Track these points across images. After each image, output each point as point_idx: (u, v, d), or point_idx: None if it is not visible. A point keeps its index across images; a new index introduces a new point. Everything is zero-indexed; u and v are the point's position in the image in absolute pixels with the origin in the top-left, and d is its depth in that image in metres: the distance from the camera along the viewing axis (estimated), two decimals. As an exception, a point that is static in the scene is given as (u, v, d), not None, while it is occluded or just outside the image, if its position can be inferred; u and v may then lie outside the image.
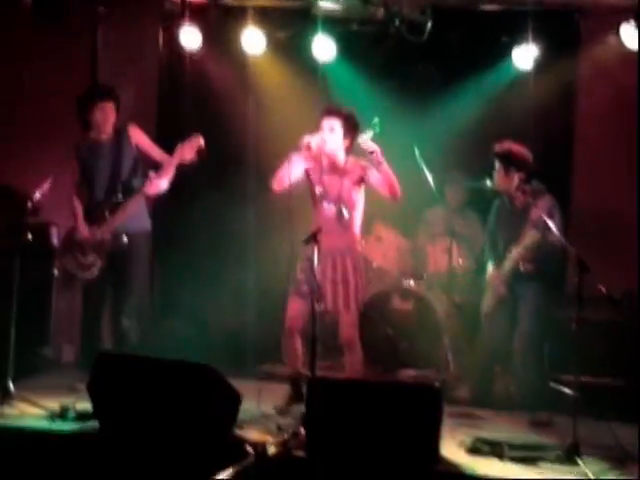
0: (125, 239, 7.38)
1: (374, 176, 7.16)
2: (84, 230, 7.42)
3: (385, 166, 7.06)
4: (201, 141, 7.31)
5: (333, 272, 7.11)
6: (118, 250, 7.40)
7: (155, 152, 7.64)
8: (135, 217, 7.50)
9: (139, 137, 7.65)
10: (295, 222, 6.86)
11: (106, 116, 7.48)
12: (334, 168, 7.22)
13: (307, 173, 7.26)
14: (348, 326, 7.16)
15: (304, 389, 6.78)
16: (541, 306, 7.59)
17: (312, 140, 7.01)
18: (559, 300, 7.81)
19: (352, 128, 7.18)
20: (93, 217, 7.49)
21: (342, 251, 7.09)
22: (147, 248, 7.64)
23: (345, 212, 7.07)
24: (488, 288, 7.90)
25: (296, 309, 7.19)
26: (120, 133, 7.60)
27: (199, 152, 7.29)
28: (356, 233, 7.25)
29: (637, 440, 6.35)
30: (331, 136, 7.12)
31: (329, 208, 7.16)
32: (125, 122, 7.73)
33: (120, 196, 7.45)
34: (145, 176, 7.46)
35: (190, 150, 7.25)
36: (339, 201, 7.13)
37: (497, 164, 7.73)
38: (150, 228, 7.67)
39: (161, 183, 7.35)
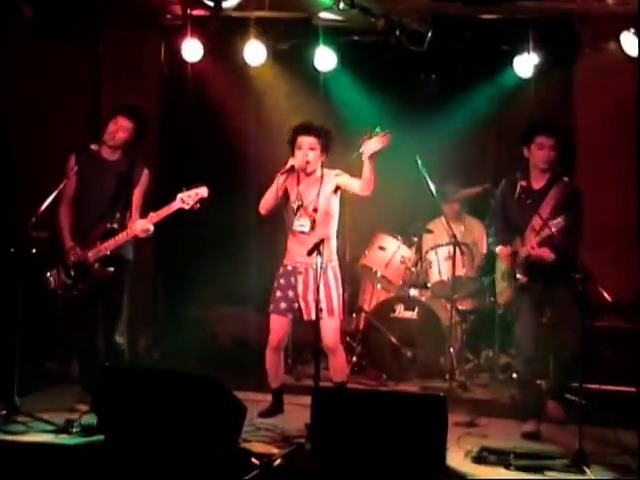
0: (111, 269, 7.32)
1: (348, 180, 7.23)
2: (73, 252, 7.31)
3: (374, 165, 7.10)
4: (205, 193, 7.22)
5: (314, 282, 7.09)
6: (103, 277, 7.36)
7: (136, 207, 7.45)
8: (121, 246, 7.45)
9: (143, 184, 7.51)
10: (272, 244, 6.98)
11: (117, 129, 7.35)
12: (312, 180, 7.29)
13: (285, 189, 7.30)
14: (332, 332, 7.18)
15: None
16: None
17: (296, 163, 7.14)
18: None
19: (329, 143, 7.29)
20: (83, 239, 7.35)
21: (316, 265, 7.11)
22: (130, 274, 7.54)
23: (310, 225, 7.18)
24: (499, 272, 7.66)
25: (278, 327, 7.31)
26: (134, 164, 7.49)
27: (201, 201, 7.26)
28: (332, 244, 7.30)
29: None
30: (312, 154, 7.19)
31: (301, 221, 7.22)
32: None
33: (115, 225, 7.34)
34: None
35: (192, 199, 7.19)
36: (315, 212, 7.20)
37: (543, 138, 7.29)
38: (132, 257, 7.59)
39: (150, 226, 7.30)
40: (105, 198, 7.36)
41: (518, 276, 7.23)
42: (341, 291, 7.31)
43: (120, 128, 7.38)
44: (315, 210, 7.19)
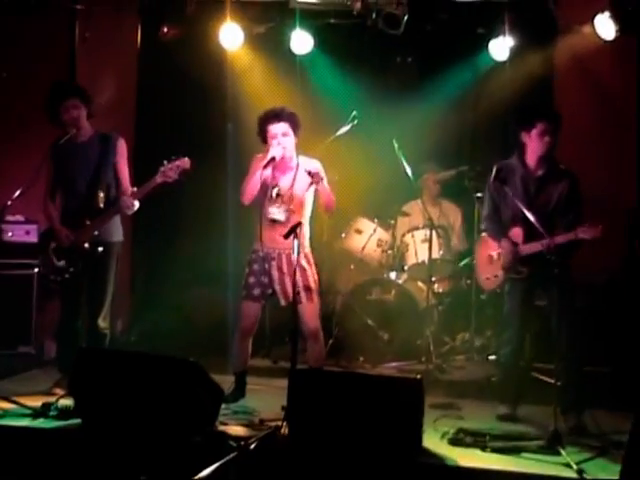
0: (100, 249, 7.29)
1: (321, 185, 7.15)
2: (64, 236, 7.29)
3: (325, 183, 7.10)
4: (187, 164, 7.13)
5: (288, 267, 7.10)
6: (92, 258, 7.33)
7: (124, 177, 7.46)
8: (111, 226, 7.42)
9: (122, 153, 7.49)
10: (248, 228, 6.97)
11: (71, 114, 7.30)
12: (287, 167, 7.22)
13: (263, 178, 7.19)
14: (312, 317, 7.17)
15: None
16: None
17: (276, 154, 7.03)
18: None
19: (299, 125, 7.19)
20: (71, 222, 7.32)
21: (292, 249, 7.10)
22: (119, 256, 7.53)
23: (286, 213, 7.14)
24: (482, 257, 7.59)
25: (251, 313, 7.26)
26: (106, 139, 7.44)
27: (183, 173, 7.19)
28: (306, 231, 7.23)
29: (620, 428, 6.35)
30: (286, 139, 7.09)
31: (278, 209, 7.14)
32: (112, 128, 7.65)
33: (101, 205, 7.33)
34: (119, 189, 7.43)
35: (174, 171, 7.09)
36: (291, 200, 7.15)
37: (545, 124, 6.97)
38: (122, 238, 7.57)
39: (135, 202, 7.28)
40: (85, 179, 7.33)
41: (521, 269, 7.05)
42: (316, 277, 7.27)
43: (73, 111, 7.32)
44: (291, 199, 7.14)
